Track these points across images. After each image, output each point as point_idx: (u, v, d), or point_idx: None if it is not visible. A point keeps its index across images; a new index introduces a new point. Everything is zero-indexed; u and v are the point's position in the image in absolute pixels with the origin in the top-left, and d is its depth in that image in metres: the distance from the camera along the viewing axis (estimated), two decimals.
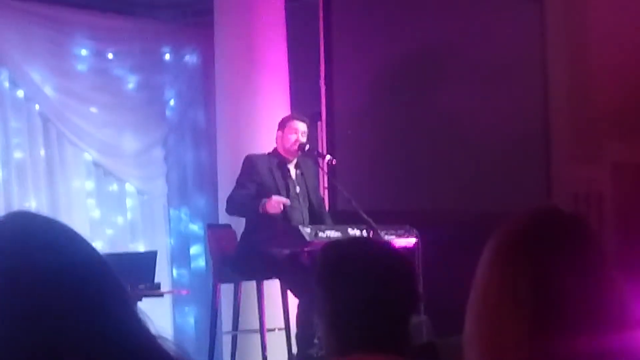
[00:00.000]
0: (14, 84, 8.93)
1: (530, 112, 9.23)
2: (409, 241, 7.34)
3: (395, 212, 8.31)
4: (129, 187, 9.72)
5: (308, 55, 9.12)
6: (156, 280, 7.99)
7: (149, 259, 8.11)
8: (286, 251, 7.16)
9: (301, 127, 7.52)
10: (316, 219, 7.50)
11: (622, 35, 8.29)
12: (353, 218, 7.33)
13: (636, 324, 1.88)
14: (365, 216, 7.22)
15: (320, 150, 8.49)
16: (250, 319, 7.78)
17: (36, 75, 8.97)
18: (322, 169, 8.00)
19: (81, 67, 9.37)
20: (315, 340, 6.93)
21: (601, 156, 8.42)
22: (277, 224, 7.31)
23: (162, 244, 9.65)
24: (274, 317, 7.47)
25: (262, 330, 7.40)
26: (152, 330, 1.44)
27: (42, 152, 9.03)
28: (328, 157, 7.70)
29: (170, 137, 10.09)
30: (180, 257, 10.04)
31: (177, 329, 9.72)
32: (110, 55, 9.54)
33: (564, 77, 8.89)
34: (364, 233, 7.14)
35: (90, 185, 9.38)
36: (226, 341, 8.20)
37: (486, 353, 1.83)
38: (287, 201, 7.24)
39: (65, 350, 1.36)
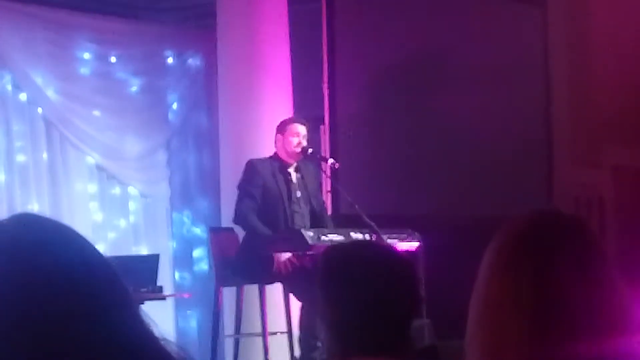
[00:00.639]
0: (17, 87, 8.94)
1: (532, 116, 9.25)
2: (412, 245, 7.33)
3: (397, 215, 8.31)
4: (132, 190, 9.73)
5: (311, 58, 9.13)
6: (159, 283, 7.98)
7: (152, 262, 8.10)
8: (288, 255, 7.15)
9: (302, 130, 7.50)
10: (318, 222, 7.49)
11: (623, 40, 8.30)
12: (356, 222, 7.33)
13: (637, 327, 1.89)
14: (367, 220, 7.22)
15: (323, 154, 8.49)
16: (252, 323, 7.78)
17: (39, 79, 8.98)
18: (325, 173, 8.00)
19: (84, 70, 9.38)
20: (318, 344, 6.93)
21: (602, 160, 8.44)
22: (277, 228, 7.31)
23: (164, 247, 9.64)
24: (277, 320, 7.47)
25: (264, 334, 7.40)
26: (156, 332, 1.45)
27: (45, 156, 9.03)
28: (331, 160, 7.70)
29: (173, 140, 10.10)
30: (183, 260, 10.04)
31: (180, 333, 9.72)
32: (113, 59, 9.55)
33: (565, 81, 8.90)
34: (367, 237, 7.14)
35: (93, 188, 9.38)
36: (228, 344, 8.20)
37: (487, 355, 1.83)
38: (296, 263, 7.19)
39: (69, 352, 1.37)
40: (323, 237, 7.01)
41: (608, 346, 1.83)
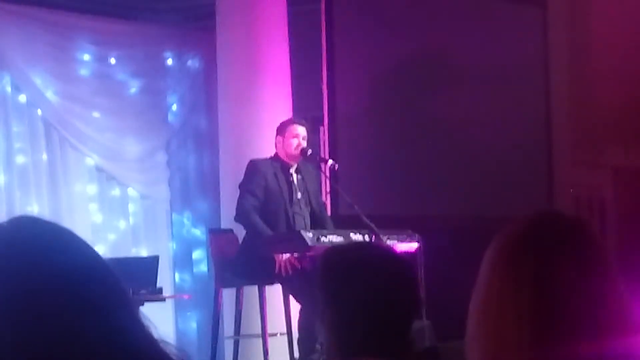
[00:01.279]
0: (17, 89, 8.94)
1: (533, 117, 9.25)
2: (411, 246, 7.33)
3: (397, 216, 8.31)
4: (132, 191, 9.72)
5: (310, 59, 9.13)
6: (158, 284, 7.98)
7: (151, 263, 8.10)
8: (288, 256, 7.15)
9: (301, 131, 7.50)
10: (318, 223, 7.49)
11: (624, 41, 8.30)
12: (355, 223, 7.33)
13: (637, 328, 1.88)
14: (367, 221, 7.22)
15: (322, 155, 8.48)
16: (252, 324, 7.77)
17: (38, 80, 8.98)
18: (325, 174, 8.00)
19: (84, 71, 9.38)
20: (317, 346, 6.93)
21: (603, 161, 8.43)
22: (278, 229, 7.31)
23: (164, 249, 9.64)
24: (276, 322, 7.47)
25: (264, 335, 7.40)
26: (155, 334, 1.44)
27: (45, 157, 9.03)
28: (330, 161, 7.69)
29: (173, 141, 10.10)
30: (183, 261, 10.03)
31: (180, 334, 9.71)
32: (112, 60, 9.55)
33: (565, 82, 8.91)
34: (366, 238, 7.13)
35: (92, 189, 9.38)
36: (228, 346, 8.20)
37: (487, 356, 1.83)
38: (297, 266, 7.20)
39: (67, 354, 1.36)
40: (322, 238, 7.01)
41: (609, 347, 1.83)
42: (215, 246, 7.90)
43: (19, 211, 8.41)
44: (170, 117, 10.08)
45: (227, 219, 8.61)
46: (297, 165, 7.54)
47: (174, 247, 10.03)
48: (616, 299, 1.86)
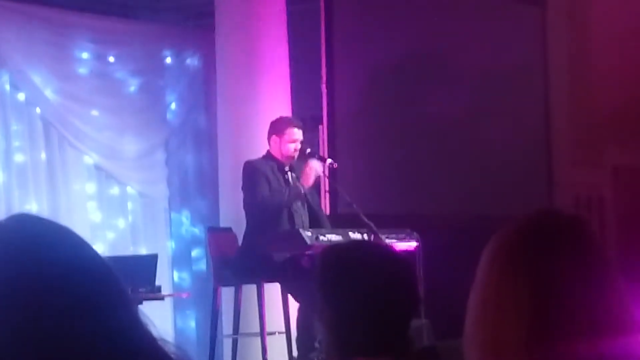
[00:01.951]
0: (15, 87, 8.94)
1: (532, 116, 9.24)
2: (410, 245, 7.33)
3: (396, 215, 8.31)
4: (130, 190, 9.72)
5: (309, 58, 9.12)
6: (157, 283, 7.98)
7: (150, 262, 8.10)
8: (287, 254, 7.15)
9: (299, 135, 7.49)
10: (316, 222, 7.49)
11: (623, 41, 8.30)
12: (354, 221, 7.33)
13: (637, 328, 1.88)
14: (366, 220, 7.22)
15: (321, 154, 8.48)
16: (250, 323, 7.77)
17: (37, 78, 8.97)
18: (324, 173, 8.00)
19: (82, 70, 9.37)
20: (316, 344, 6.93)
21: (602, 160, 8.43)
22: (278, 228, 7.31)
23: (163, 247, 9.64)
24: (275, 320, 7.47)
25: (262, 334, 7.40)
26: (154, 332, 1.44)
27: (43, 155, 9.03)
28: (329, 160, 7.69)
29: (172, 140, 10.09)
30: (182, 260, 10.03)
31: (178, 332, 9.71)
32: (111, 59, 9.54)
33: (565, 81, 8.91)
34: (365, 237, 7.13)
35: (91, 188, 9.38)
36: (227, 344, 8.20)
37: (486, 355, 1.83)
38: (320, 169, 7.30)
39: (68, 353, 1.36)
40: (321, 237, 7.01)
41: (608, 346, 1.82)
42: (214, 245, 7.90)
43: (17, 209, 8.40)
44: (169, 116, 10.08)
45: (225, 218, 8.61)
46: (291, 163, 7.54)
47: (173, 245, 10.03)
48: (615, 298, 1.86)
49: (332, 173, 8.00)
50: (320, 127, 9.01)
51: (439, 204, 9.15)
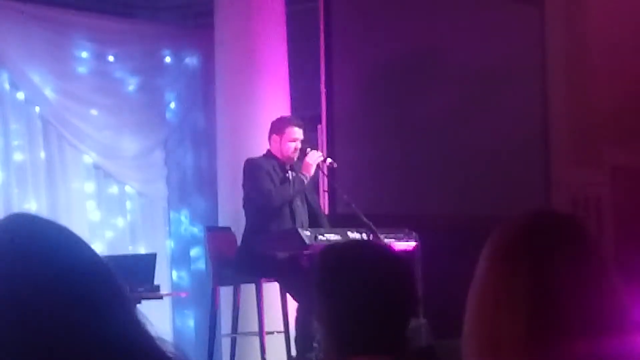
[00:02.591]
0: (14, 86, 8.94)
1: (530, 116, 9.25)
2: (409, 244, 7.34)
3: (395, 215, 8.31)
4: (129, 189, 9.72)
5: (308, 58, 9.13)
6: (156, 282, 7.98)
7: (149, 261, 8.09)
8: (286, 254, 7.16)
9: (300, 134, 7.49)
10: (315, 221, 7.49)
11: (622, 40, 8.30)
12: (353, 221, 7.33)
13: (634, 328, 1.88)
14: (365, 219, 7.22)
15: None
16: (249, 322, 7.78)
17: (36, 77, 8.98)
18: (323, 172, 8.00)
19: (81, 69, 9.37)
20: (314, 344, 6.93)
21: (600, 160, 8.44)
22: (279, 226, 7.31)
23: (162, 246, 9.64)
24: (273, 320, 7.47)
25: (261, 333, 7.40)
26: (151, 331, 1.44)
27: (42, 154, 9.03)
28: (329, 160, 7.70)
29: (171, 139, 10.10)
30: (181, 259, 10.04)
31: (177, 332, 9.71)
32: (110, 58, 9.54)
33: (563, 81, 8.91)
34: (364, 236, 7.14)
35: (90, 187, 9.38)
36: (225, 344, 8.20)
37: (484, 355, 1.83)
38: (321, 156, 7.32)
39: (65, 353, 1.36)
40: (320, 237, 7.01)
41: (605, 346, 1.83)
42: (213, 244, 7.90)
43: (16, 209, 8.41)
44: (168, 115, 10.08)
45: (224, 217, 8.62)
46: (292, 163, 7.54)
47: (172, 244, 10.03)
48: (612, 298, 1.86)
49: (331, 173, 8.00)
50: (319, 126, 9.01)
51: (437, 203, 9.15)
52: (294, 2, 9.03)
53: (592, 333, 1.82)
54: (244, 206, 7.55)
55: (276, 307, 7.37)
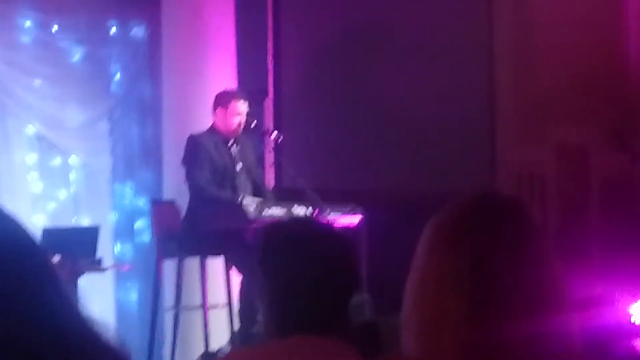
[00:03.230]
0: None
1: (476, 93, 9.27)
2: (354, 219, 7.35)
3: (340, 190, 8.31)
4: (73, 160, 9.63)
5: (256, 31, 9.08)
6: (99, 255, 7.92)
7: (91, 233, 8.04)
8: (230, 228, 7.13)
9: (244, 108, 7.47)
10: (258, 195, 7.48)
11: (568, 18, 8.34)
12: (299, 195, 7.33)
13: (572, 307, 1.90)
14: (310, 194, 7.22)
15: (266, 127, 8.46)
16: (192, 296, 7.75)
17: None
18: (269, 146, 7.98)
19: (25, 38, 9.24)
20: (258, 317, 6.92)
21: (545, 138, 8.49)
22: (222, 201, 7.28)
23: (106, 219, 9.56)
24: (217, 293, 7.45)
25: (204, 307, 7.39)
26: (86, 313, 1.40)
27: None
28: (275, 133, 7.68)
29: (116, 110, 9.99)
30: (125, 232, 9.96)
31: (119, 305, 9.65)
32: (55, 27, 9.42)
33: (509, 58, 8.93)
34: (309, 211, 7.14)
35: (32, 158, 9.27)
36: (168, 317, 8.17)
37: (424, 335, 1.83)
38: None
39: None
40: (265, 211, 7.00)
41: (544, 325, 1.84)
42: (157, 217, 7.86)
43: None
44: (113, 86, 9.97)
45: (169, 190, 8.57)
46: (235, 137, 7.51)
47: (116, 217, 9.95)
48: (551, 278, 1.88)
49: (277, 146, 7.98)
50: (266, 100, 8.98)
51: (383, 179, 9.17)
52: None
53: (532, 313, 1.83)
54: (186, 180, 7.52)
55: (220, 281, 7.35)
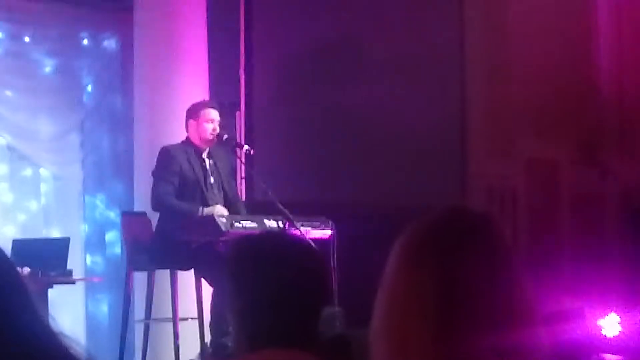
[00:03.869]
0: None
1: (447, 107, 9.30)
2: (325, 233, 7.35)
3: (312, 203, 8.32)
4: (44, 172, 9.60)
5: (228, 44, 9.09)
6: (69, 267, 7.89)
7: (62, 245, 8.01)
8: (202, 240, 7.12)
9: (215, 115, 7.48)
10: (231, 208, 7.47)
11: (540, 33, 8.40)
12: (270, 209, 7.32)
13: (542, 321, 1.91)
14: (281, 207, 7.22)
15: (238, 140, 8.46)
16: (163, 308, 7.73)
17: None
18: (240, 159, 7.98)
19: None
20: (229, 329, 6.90)
21: (515, 152, 8.53)
22: (181, 211, 7.27)
23: (76, 231, 9.53)
24: (188, 306, 7.44)
25: (175, 319, 7.37)
26: (55, 328, 1.40)
27: None
28: (246, 147, 7.67)
29: (87, 122, 9.97)
30: (95, 244, 9.93)
31: (90, 317, 9.62)
32: (26, 39, 9.40)
33: (480, 72, 8.98)
34: (280, 224, 7.14)
35: (3, 169, 9.24)
36: (139, 329, 8.14)
37: (392, 352, 1.84)
38: (226, 214, 7.18)
39: None
40: (236, 224, 6.99)
41: (513, 341, 1.85)
42: (128, 229, 7.84)
43: None
44: (85, 98, 9.96)
45: (140, 202, 8.55)
46: (209, 149, 7.51)
47: (86, 229, 9.92)
48: (520, 295, 1.88)
49: (249, 159, 7.98)
50: (237, 113, 8.98)
51: (355, 192, 9.18)
52: None
53: (499, 329, 1.83)
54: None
55: (190, 294, 7.33)
